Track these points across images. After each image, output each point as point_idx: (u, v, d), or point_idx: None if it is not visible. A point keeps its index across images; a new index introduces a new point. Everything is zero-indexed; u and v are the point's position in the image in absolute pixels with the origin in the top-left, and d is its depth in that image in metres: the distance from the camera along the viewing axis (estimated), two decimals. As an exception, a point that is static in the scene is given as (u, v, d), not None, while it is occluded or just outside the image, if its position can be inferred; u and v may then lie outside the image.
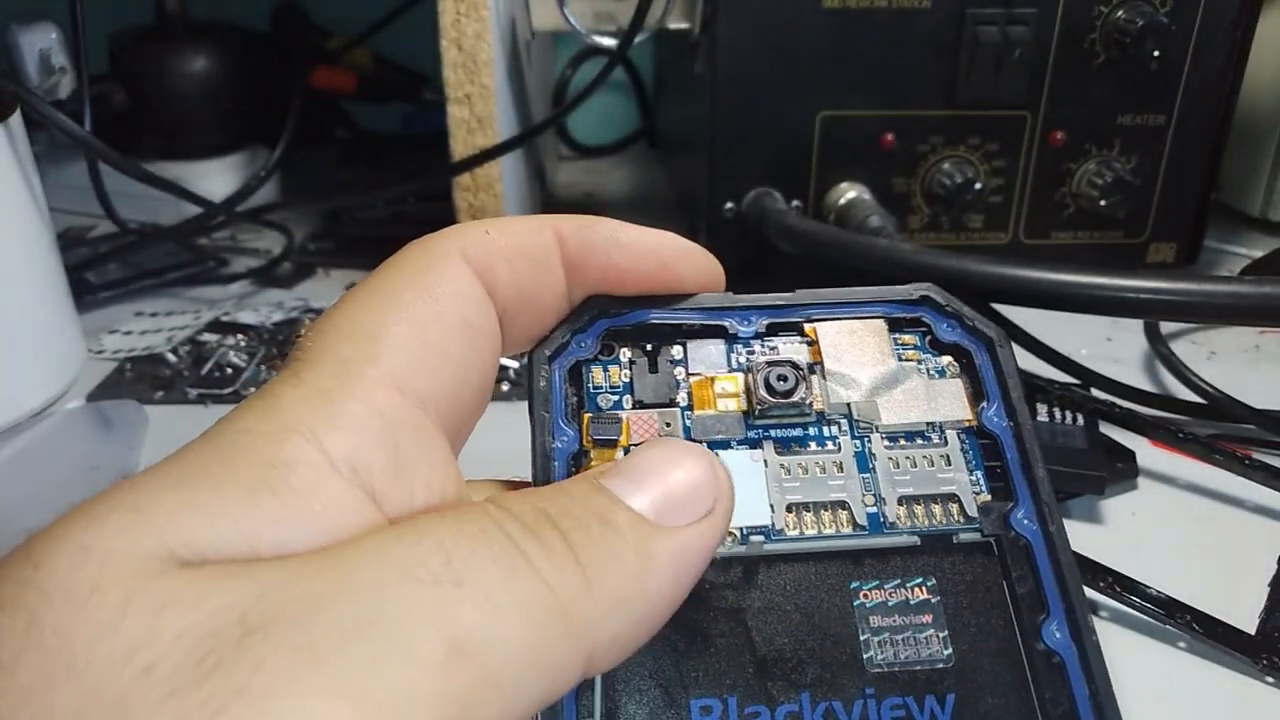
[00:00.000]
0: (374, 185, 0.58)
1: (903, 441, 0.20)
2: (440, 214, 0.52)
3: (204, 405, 0.43)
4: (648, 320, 0.20)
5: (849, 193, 0.49)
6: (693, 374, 0.20)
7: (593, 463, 0.19)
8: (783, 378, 0.20)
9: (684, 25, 0.49)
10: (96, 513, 0.13)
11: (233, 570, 0.13)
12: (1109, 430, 0.37)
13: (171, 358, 0.46)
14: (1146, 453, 0.38)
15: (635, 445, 0.19)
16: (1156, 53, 0.47)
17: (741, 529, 0.19)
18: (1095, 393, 0.40)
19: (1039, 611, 0.18)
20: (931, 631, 0.18)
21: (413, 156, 0.70)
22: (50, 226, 0.44)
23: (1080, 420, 0.37)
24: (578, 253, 0.19)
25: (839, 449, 0.20)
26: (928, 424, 0.20)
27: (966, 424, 0.20)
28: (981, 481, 0.19)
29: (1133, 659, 0.29)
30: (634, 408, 0.20)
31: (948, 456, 0.19)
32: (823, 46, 0.47)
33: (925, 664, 0.17)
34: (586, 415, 0.19)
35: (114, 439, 0.40)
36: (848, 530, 0.19)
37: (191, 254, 0.57)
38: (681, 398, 0.20)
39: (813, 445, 0.20)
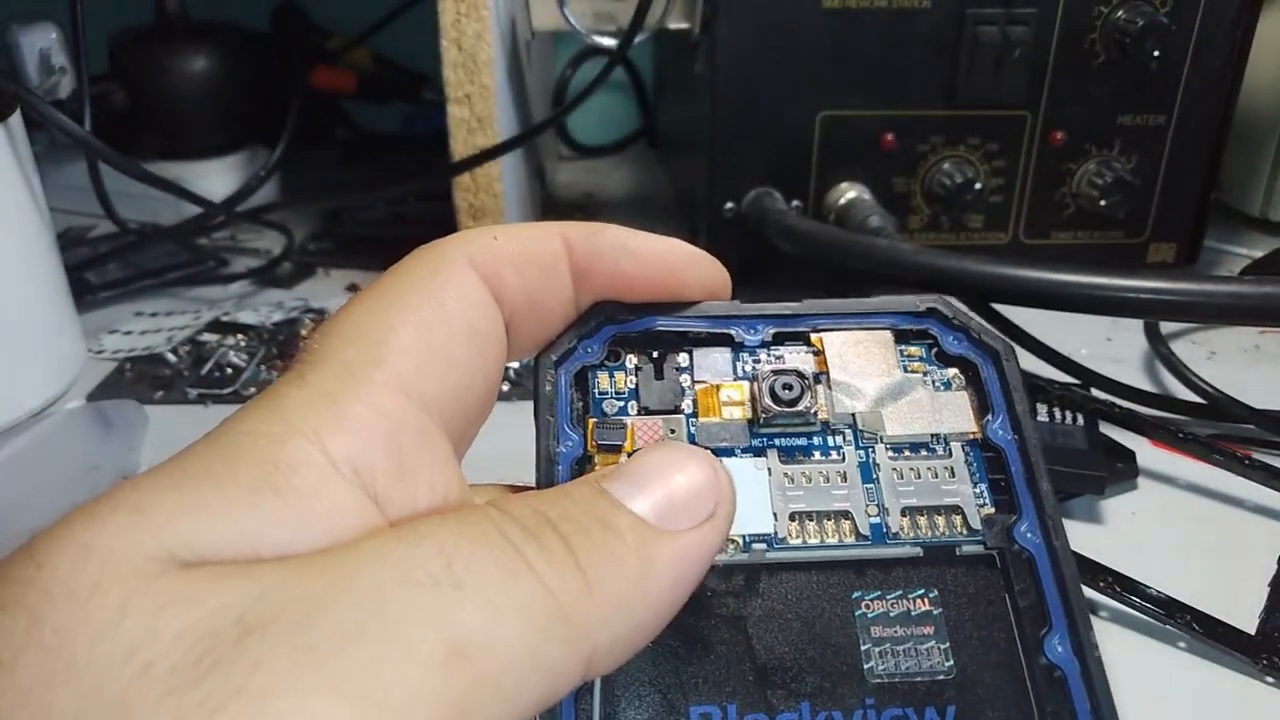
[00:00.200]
0: (374, 185, 0.58)
1: (907, 452, 0.20)
2: (440, 214, 0.52)
3: (204, 405, 0.43)
4: (654, 327, 0.20)
5: (849, 193, 0.49)
6: (698, 381, 0.20)
7: (597, 468, 0.19)
8: (788, 386, 0.20)
9: (684, 25, 0.49)
10: (98, 513, 0.13)
11: (233, 571, 0.13)
12: (1109, 430, 0.37)
13: (171, 358, 0.46)
14: (1146, 453, 0.38)
15: None
16: (1156, 53, 0.47)
17: (744, 536, 0.19)
18: (1095, 393, 0.40)
19: (1041, 625, 0.18)
20: (933, 643, 0.18)
21: (413, 156, 0.70)
22: (50, 226, 0.44)
23: (1080, 420, 0.37)
24: (586, 259, 0.19)
25: (843, 459, 0.20)
26: (932, 436, 0.20)
27: (971, 436, 0.20)
28: (985, 494, 0.19)
29: (1133, 659, 0.29)
30: (639, 414, 0.20)
31: (952, 468, 0.20)
32: (823, 46, 0.47)
33: (926, 675, 0.17)
34: (591, 420, 0.20)
35: (114, 439, 0.40)
36: (850, 540, 0.19)
37: (191, 254, 0.57)
38: (687, 405, 0.20)
39: (817, 454, 0.20)
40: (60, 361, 0.44)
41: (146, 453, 0.39)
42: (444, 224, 0.51)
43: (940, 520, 0.19)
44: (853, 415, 0.20)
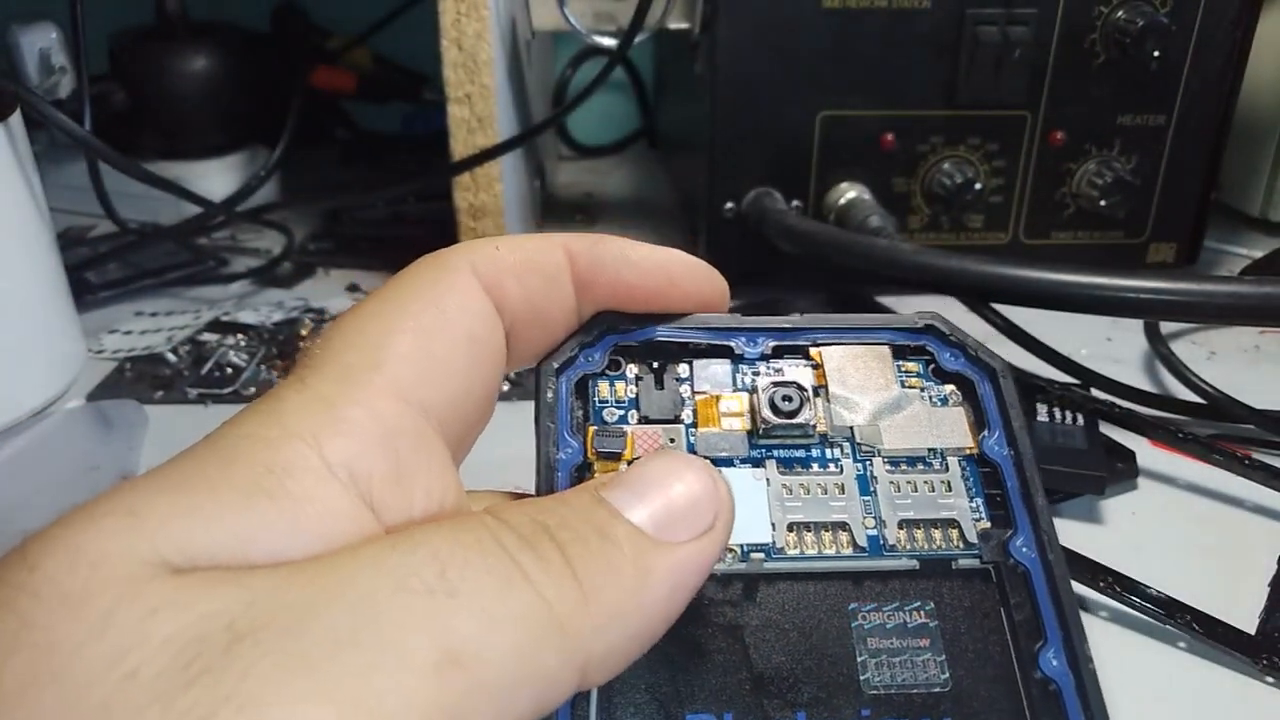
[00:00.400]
0: (374, 185, 0.58)
1: (904, 466, 0.20)
2: (440, 214, 0.52)
3: (204, 405, 0.43)
4: (655, 338, 0.21)
5: (849, 193, 0.49)
6: (698, 392, 0.20)
7: (596, 475, 0.19)
8: (788, 398, 0.20)
9: (684, 25, 0.49)
10: (91, 516, 0.13)
11: (224, 576, 0.13)
12: (1109, 430, 0.37)
13: (171, 357, 0.46)
14: (1146, 453, 0.38)
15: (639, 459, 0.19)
16: (1156, 53, 0.47)
17: (742, 546, 0.19)
18: (1095, 393, 0.40)
19: (1036, 639, 0.18)
20: (929, 655, 0.18)
21: (413, 156, 0.70)
22: (50, 226, 0.44)
23: (1080, 420, 0.37)
24: (588, 270, 0.19)
25: (841, 471, 0.20)
26: (929, 450, 0.20)
27: (968, 451, 0.20)
28: (982, 509, 0.19)
29: (1133, 659, 0.29)
30: (639, 423, 0.20)
31: (948, 483, 0.20)
32: (823, 46, 0.47)
33: (922, 687, 0.17)
34: (592, 428, 0.20)
35: (114, 439, 0.40)
36: (848, 551, 0.19)
37: (191, 254, 0.57)
38: (686, 415, 0.20)
39: (815, 466, 0.20)
40: (60, 361, 0.44)
41: (146, 453, 0.39)
42: (444, 224, 0.51)
43: (937, 534, 0.19)
44: (851, 428, 0.20)
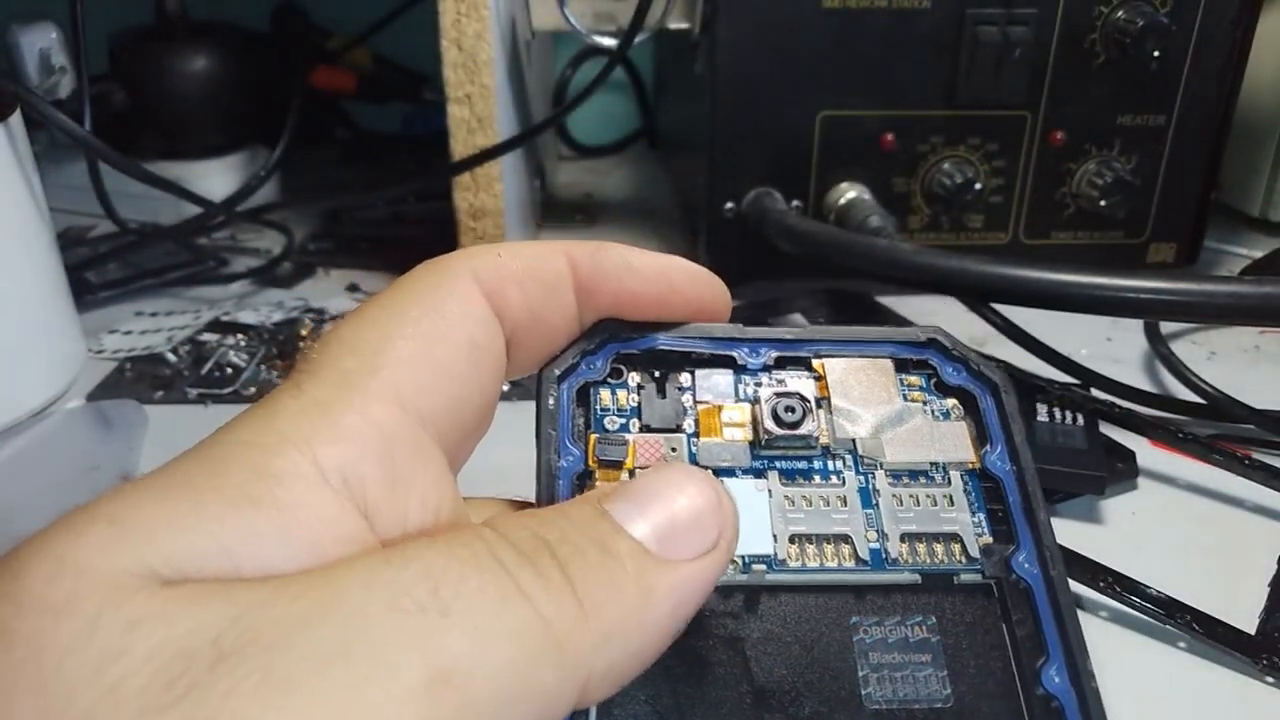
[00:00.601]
0: (374, 185, 0.58)
1: (906, 479, 0.20)
2: (440, 214, 0.52)
3: (204, 405, 0.43)
4: (657, 346, 0.21)
5: (849, 193, 0.49)
6: (700, 402, 0.20)
7: (597, 483, 0.19)
8: (790, 409, 0.20)
9: (684, 25, 0.49)
10: (76, 525, 0.13)
11: (211, 590, 0.13)
12: (1109, 430, 0.37)
13: (171, 357, 0.46)
14: (1146, 453, 0.38)
15: (641, 468, 0.19)
16: (1156, 53, 0.47)
17: (744, 557, 0.19)
18: (1095, 393, 0.40)
19: (1038, 655, 0.18)
20: (930, 671, 0.18)
21: (413, 156, 0.70)
22: (50, 226, 0.44)
23: (1080, 420, 0.37)
24: (590, 278, 0.19)
25: (843, 483, 0.20)
26: (931, 464, 0.20)
27: (970, 466, 0.20)
28: (984, 523, 0.19)
29: (1133, 659, 0.29)
30: (640, 431, 0.20)
31: (951, 497, 0.20)
32: (823, 46, 0.47)
33: (923, 703, 0.17)
34: (593, 436, 0.20)
35: (114, 439, 0.40)
36: (850, 564, 0.19)
37: (191, 254, 0.57)
38: (688, 424, 0.20)
39: (817, 478, 0.20)
40: (60, 361, 0.44)
41: (146, 453, 0.39)
42: (444, 224, 0.51)
43: (939, 548, 0.19)
44: (853, 440, 0.20)
